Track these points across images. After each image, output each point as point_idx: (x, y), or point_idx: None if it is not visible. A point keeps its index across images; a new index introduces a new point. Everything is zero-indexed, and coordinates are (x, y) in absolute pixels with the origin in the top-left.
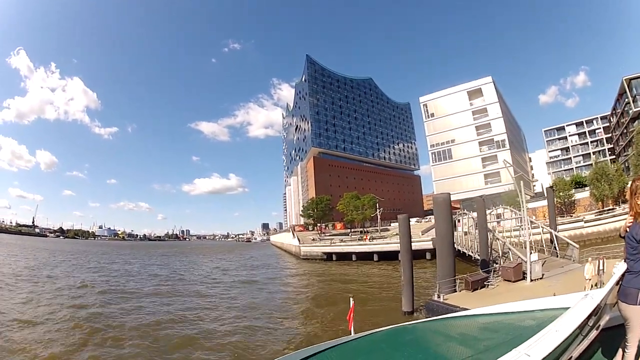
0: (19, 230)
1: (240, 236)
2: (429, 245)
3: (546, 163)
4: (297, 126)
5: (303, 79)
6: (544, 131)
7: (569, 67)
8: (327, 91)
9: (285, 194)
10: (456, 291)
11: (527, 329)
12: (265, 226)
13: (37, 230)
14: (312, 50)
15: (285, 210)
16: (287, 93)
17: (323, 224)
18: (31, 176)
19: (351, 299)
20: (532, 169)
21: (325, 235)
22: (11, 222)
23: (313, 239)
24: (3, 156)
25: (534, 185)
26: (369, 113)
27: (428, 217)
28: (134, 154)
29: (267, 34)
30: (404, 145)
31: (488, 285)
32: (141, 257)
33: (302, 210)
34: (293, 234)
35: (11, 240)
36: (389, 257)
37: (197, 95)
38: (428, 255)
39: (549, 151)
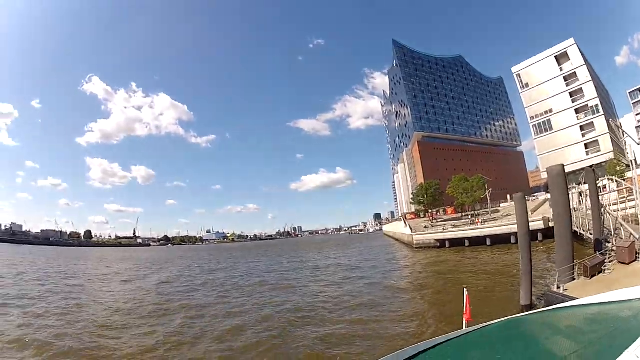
0: (119, 242)
1: (353, 228)
2: (539, 225)
3: (635, 127)
4: (397, 112)
5: (394, 64)
6: (629, 93)
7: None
8: (420, 74)
9: (394, 182)
10: (575, 279)
11: (632, 321)
12: (377, 216)
13: (139, 240)
14: (395, 34)
15: (396, 198)
16: (380, 81)
17: (434, 210)
18: (128, 191)
19: (465, 290)
20: (624, 135)
21: (437, 222)
22: (110, 236)
23: (425, 227)
24: (94, 175)
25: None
26: (464, 92)
27: (535, 194)
28: (236, 158)
29: (346, 25)
30: (503, 122)
31: (604, 270)
32: (248, 257)
33: (411, 198)
34: (405, 223)
35: (113, 253)
36: (501, 240)
37: (290, 94)
38: (540, 237)
39: (636, 114)
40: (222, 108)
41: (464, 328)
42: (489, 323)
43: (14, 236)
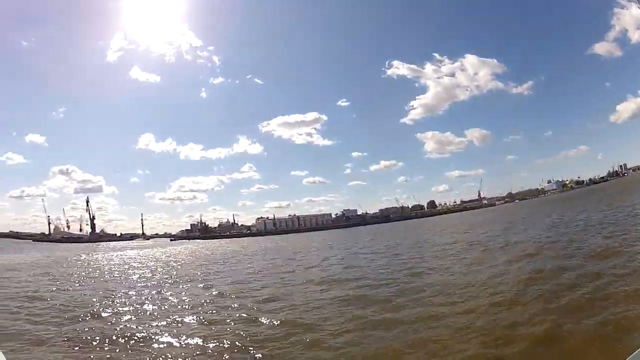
0: (464, 207)
1: None
2: None
3: None
4: None
5: None
6: None
7: None
8: None
9: None
10: None
11: None
12: None
13: (484, 202)
14: None
15: None
16: None
17: None
18: (466, 155)
19: None
20: None
21: None
22: (455, 202)
23: None
24: (428, 148)
25: None
26: None
27: None
28: (556, 98)
29: None
30: None
31: None
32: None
33: None
34: None
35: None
36: None
37: None
38: None
39: None
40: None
41: None
42: None
43: (348, 220)
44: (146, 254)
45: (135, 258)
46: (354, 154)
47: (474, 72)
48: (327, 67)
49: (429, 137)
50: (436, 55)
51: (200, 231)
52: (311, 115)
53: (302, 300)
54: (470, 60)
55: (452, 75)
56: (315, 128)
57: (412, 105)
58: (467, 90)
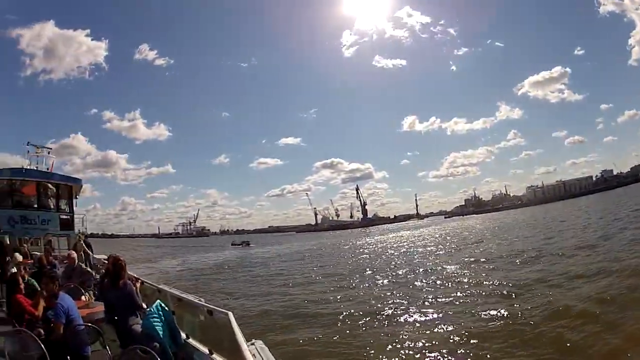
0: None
1: None
2: None
3: None
4: None
5: None
6: None
7: None
8: None
9: None
10: None
11: None
12: None
13: None
14: None
15: None
16: None
17: None
18: None
19: None
20: None
21: None
22: None
23: None
24: None
25: None
26: None
27: None
28: None
29: None
30: None
31: None
32: None
33: None
34: None
35: None
36: None
37: None
38: None
39: None
40: None
41: None
42: None
43: (606, 183)
44: (420, 233)
45: (406, 238)
46: (602, 106)
47: None
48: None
49: None
50: None
51: (474, 206)
52: (556, 70)
53: None
54: None
55: None
56: (564, 83)
57: None
58: None
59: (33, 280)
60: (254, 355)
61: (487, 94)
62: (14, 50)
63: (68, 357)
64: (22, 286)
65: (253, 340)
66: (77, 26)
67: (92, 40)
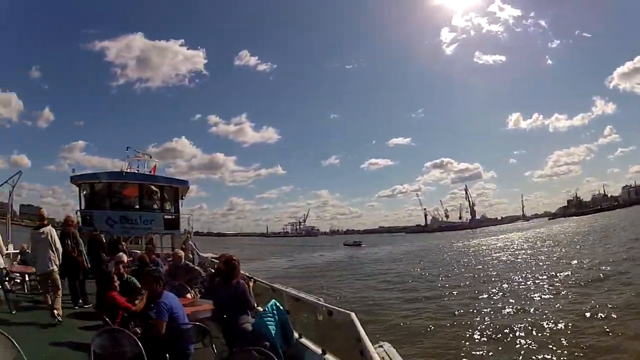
0: None
1: None
2: None
3: None
4: None
5: None
6: None
7: None
8: None
9: None
10: None
11: None
12: None
13: None
14: None
15: None
16: None
17: None
18: None
19: None
20: None
21: None
22: None
23: None
24: None
25: None
26: None
27: None
28: None
29: None
30: None
31: None
32: None
33: None
34: None
35: None
36: None
37: None
38: None
39: None
40: None
41: None
42: None
43: None
44: (524, 235)
45: (507, 241)
46: None
47: None
48: None
49: None
50: None
51: (575, 207)
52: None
53: None
54: None
55: None
56: None
57: None
58: None
59: (133, 278)
60: (382, 358)
61: (583, 87)
62: (101, 62)
63: (167, 355)
64: (116, 283)
65: (381, 343)
66: (167, 37)
67: (187, 49)
